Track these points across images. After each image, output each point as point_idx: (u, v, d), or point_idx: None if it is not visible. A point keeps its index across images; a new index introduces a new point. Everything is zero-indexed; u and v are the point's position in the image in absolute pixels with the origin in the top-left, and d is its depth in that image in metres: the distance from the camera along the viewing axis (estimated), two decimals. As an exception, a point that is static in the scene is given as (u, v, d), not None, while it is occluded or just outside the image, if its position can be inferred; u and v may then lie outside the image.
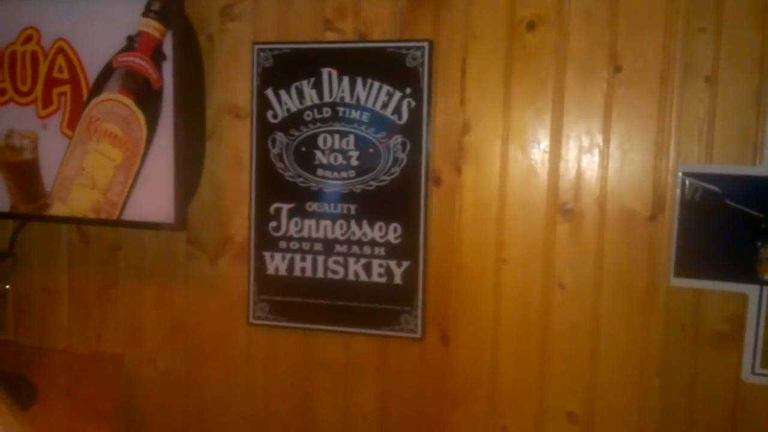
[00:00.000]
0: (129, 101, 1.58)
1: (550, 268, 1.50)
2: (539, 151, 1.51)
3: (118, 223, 1.63)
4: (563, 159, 1.49)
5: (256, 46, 1.68)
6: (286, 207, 1.70)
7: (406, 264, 1.62)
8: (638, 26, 1.43)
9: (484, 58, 1.51)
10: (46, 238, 1.86)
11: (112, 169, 1.61)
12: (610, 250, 1.48)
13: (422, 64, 1.57)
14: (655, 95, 1.43)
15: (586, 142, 1.47)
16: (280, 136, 1.68)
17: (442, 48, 1.57)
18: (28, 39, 1.64)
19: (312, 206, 1.68)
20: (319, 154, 1.66)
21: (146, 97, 1.57)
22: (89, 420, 1.51)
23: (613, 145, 1.46)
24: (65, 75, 1.62)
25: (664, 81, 1.42)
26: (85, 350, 1.88)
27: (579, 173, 1.49)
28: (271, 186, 1.70)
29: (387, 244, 1.64)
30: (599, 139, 1.47)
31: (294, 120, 1.67)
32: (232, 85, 1.72)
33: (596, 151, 1.48)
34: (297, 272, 1.70)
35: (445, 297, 1.61)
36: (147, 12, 1.54)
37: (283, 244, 1.70)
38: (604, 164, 1.47)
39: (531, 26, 1.48)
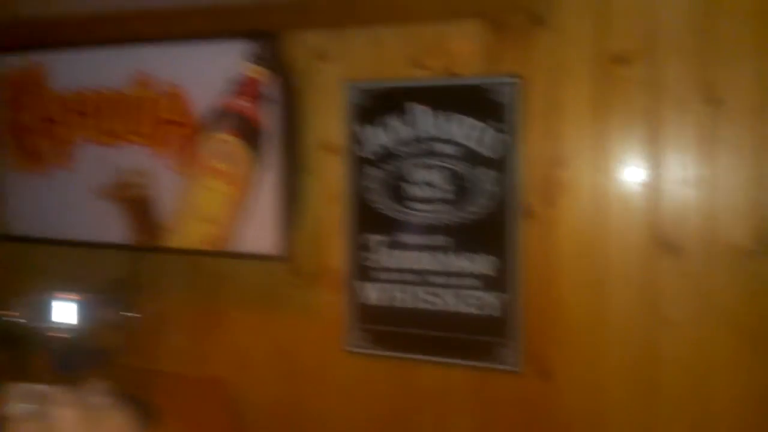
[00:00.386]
0: (236, 140, 1.69)
1: (654, 302, 1.47)
2: (637, 185, 1.48)
3: (227, 255, 1.73)
4: (661, 191, 1.46)
5: (349, 85, 1.74)
6: (379, 238, 1.75)
7: (501, 296, 1.63)
8: (731, 57, 1.38)
9: (576, 92, 1.51)
10: (159, 268, 2.00)
11: (221, 204, 1.72)
12: (714, 284, 1.42)
13: (512, 98, 1.58)
14: (755, 127, 1.37)
15: (683, 174, 1.43)
16: (372, 171, 1.74)
17: (531, 83, 1.58)
18: (143, 84, 1.79)
19: (405, 238, 1.72)
20: (410, 187, 1.70)
21: (251, 136, 1.67)
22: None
23: (711, 178, 1.41)
24: (177, 117, 1.75)
25: (762, 111, 1.36)
26: (195, 374, 1.99)
27: (678, 206, 1.45)
28: (365, 218, 1.75)
29: (481, 276, 1.65)
30: (697, 171, 1.42)
31: (385, 154, 1.72)
32: (326, 122, 1.80)
33: (694, 184, 1.43)
34: (391, 302, 1.74)
35: (544, 330, 1.60)
36: (251, 57, 1.64)
37: (377, 275, 1.75)
38: (703, 197, 1.42)
39: (621, 60, 1.46)
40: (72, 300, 1.60)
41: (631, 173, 1.48)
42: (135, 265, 1.93)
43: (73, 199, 1.90)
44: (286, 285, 1.88)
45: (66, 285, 1.98)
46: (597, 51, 1.48)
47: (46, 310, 1.57)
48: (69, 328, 1.55)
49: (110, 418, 1.30)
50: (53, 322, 1.55)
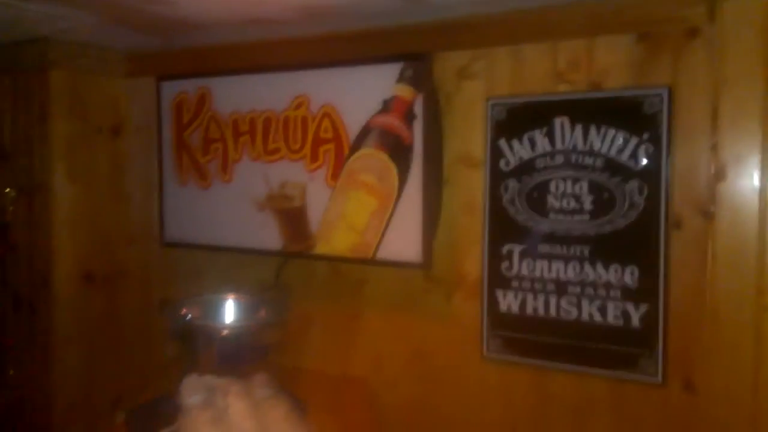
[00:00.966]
0: (384, 156, 1.81)
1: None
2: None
3: (371, 262, 1.85)
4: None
5: (491, 102, 1.82)
6: (518, 248, 1.80)
7: (644, 307, 1.64)
8: None
9: (737, 102, 1.50)
10: (303, 273, 2.15)
11: (368, 215, 1.85)
12: None
13: (661, 110, 1.60)
14: None
15: None
16: (512, 183, 1.80)
17: (683, 93, 1.58)
18: (299, 105, 1.95)
19: (544, 248, 1.76)
20: (551, 198, 1.75)
21: (398, 151, 1.79)
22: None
23: None
24: (330, 135, 1.90)
25: None
26: (334, 372, 2.12)
27: None
28: (504, 228, 1.81)
29: (623, 287, 1.66)
30: None
31: (526, 167, 1.78)
32: (467, 137, 1.88)
33: None
34: (529, 310, 1.79)
35: (689, 343, 1.60)
36: (401, 78, 1.77)
37: (515, 283, 1.81)
38: None
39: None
40: (234, 300, 1.77)
41: (791, 185, 1.45)
42: (285, 270, 2.09)
43: (230, 210, 2.09)
44: (423, 292, 1.97)
45: (223, 287, 2.19)
46: (760, 58, 1.47)
47: (212, 310, 1.75)
48: (232, 326, 1.71)
49: (274, 408, 1.44)
50: (219, 321, 1.72)
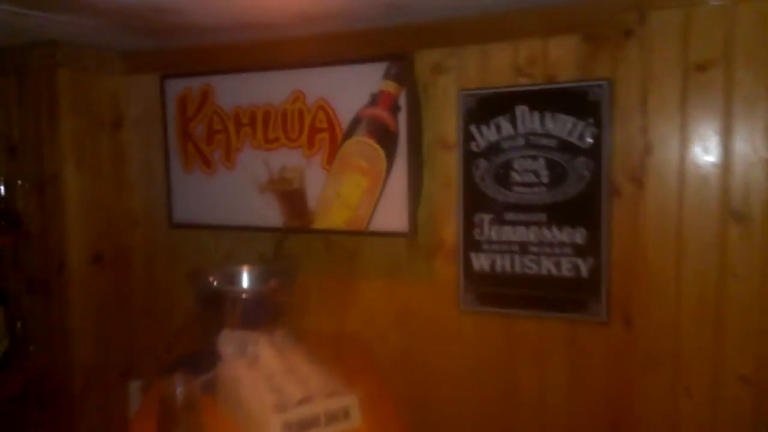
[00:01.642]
0: (373, 142, 2.11)
1: (723, 261, 1.80)
2: (711, 166, 1.81)
3: (366, 234, 2.17)
4: (732, 172, 1.78)
5: (462, 93, 2.14)
6: (487, 217, 2.14)
7: (591, 260, 2.00)
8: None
9: (661, 93, 1.84)
10: (302, 246, 2.45)
11: (360, 193, 2.15)
12: (774, 245, 1.75)
13: (602, 98, 1.95)
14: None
15: (751, 158, 1.76)
16: (482, 162, 2.13)
17: (621, 85, 1.94)
18: (296, 99, 2.24)
19: (509, 216, 2.11)
20: (514, 174, 2.09)
21: (385, 138, 2.10)
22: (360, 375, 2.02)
23: (775, 158, 1.74)
24: (324, 125, 2.19)
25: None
26: (331, 331, 2.44)
27: (746, 183, 1.77)
28: (475, 200, 2.15)
29: (574, 245, 2.03)
30: (763, 155, 1.75)
31: (493, 148, 2.11)
32: (442, 123, 2.20)
33: (760, 166, 1.76)
34: (498, 269, 2.14)
35: (628, 287, 1.97)
36: (386, 75, 2.07)
37: (486, 246, 2.15)
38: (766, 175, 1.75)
39: (701, 67, 1.79)
40: (250, 270, 2.07)
41: (707, 157, 1.80)
42: (286, 245, 2.38)
43: (234, 193, 2.37)
44: (408, 258, 2.30)
45: (229, 261, 2.47)
46: (679, 59, 1.80)
47: (233, 278, 2.04)
48: (250, 291, 2.01)
49: (296, 353, 1.75)
50: (239, 287, 2.02)
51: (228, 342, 1.72)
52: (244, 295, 1.96)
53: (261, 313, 1.95)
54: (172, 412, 1.35)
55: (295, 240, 2.43)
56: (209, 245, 2.59)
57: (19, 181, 2.60)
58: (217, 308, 1.95)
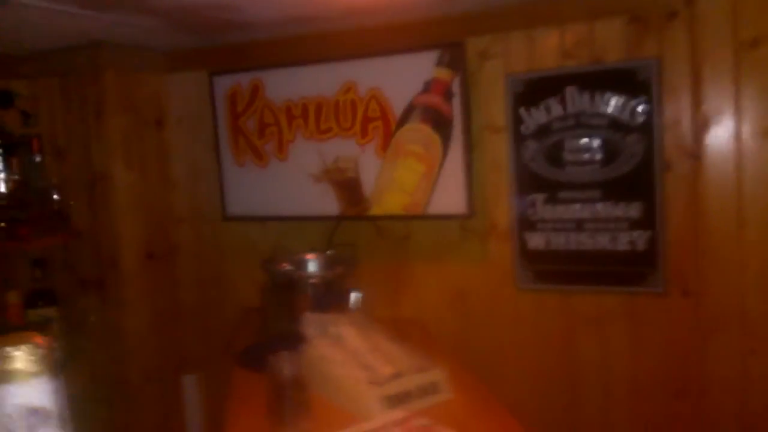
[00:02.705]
0: (427, 128, 2.17)
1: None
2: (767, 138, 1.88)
3: (424, 217, 2.23)
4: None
5: (510, 77, 2.20)
6: (540, 196, 2.21)
7: (647, 233, 2.07)
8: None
9: (714, 70, 1.91)
10: (352, 234, 2.50)
11: (416, 178, 2.21)
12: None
13: (652, 76, 2.02)
14: None
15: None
16: (532, 143, 2.20)
17: (669, 63, 2.00)
18: (348, 90, 2.29)
19: (563, 194, 2.17)
20: (566, 153, 2.16)
21: (440, 124, 2.16)
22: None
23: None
24: (377, 114, 2.25)
25: None
26: (385, 315, 2.49)
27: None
28: (527, 181, 2.21)
29: (629, 219, 2.09)
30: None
31: (543, 130, 2.18)
32: (490, 108, 2.26)
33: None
34: (554, 246, 2.20)
35: (683, 259, 2.04)
36: (440, 63, 2.13)
37: (540, 225, 2.21)
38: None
39: (753, 44, 1.86)
40: (317, 257, 2.13)
41: (762, 130, 1.88)
42: (342, 232, 2.44)
43: (288, 184, 2.42)
44: (459, 239, 2.36)
45: (289, 250, 2.52)
46: (730, 36, 1.88)
47: (302, 264, 2.10)
48: (320, 276, 2.07)
49: (377, 332, 1.82)
50: (310, 272, 2.08)
51: (310, 323, 1.78)
52: (316, 280, 2.02)
53: (331, 297, 2.01)
54: (281, 390, 1.41)
55: (347, 227, 2.49)
56: (262, 236, 2.65)
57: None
58: (290, 293, 2.01)
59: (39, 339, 0.63)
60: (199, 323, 2.87)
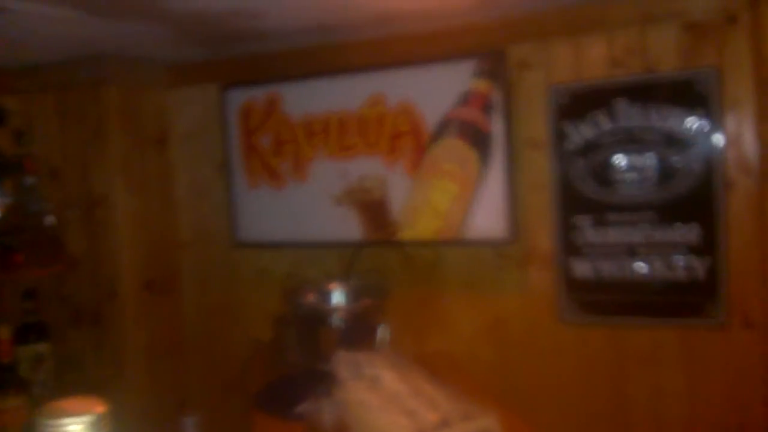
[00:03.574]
0: (463, 144, 1.98)
1: None
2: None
3: (459, 243, 2.02)
4: None
5: (553, 88, 2.02)
6: (587, 218, 2.01)
7: (708, 260, 1.88)
8: None
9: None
10: (376, 260, 2.28)
11: (450, 200, 2.02)
12: None
13: (711, 88, 1.84)
14: None
15: None
16: (578, 160, 2.01)
17: (729, 72, 1.83)
18: (375, 103, 2.10)
19: (612, 216, 1.98)
20: (616, 171, 1.97)
21: (478, 140, 1.97)
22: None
23: None
24: (407, 128, 2.06)
25: None
26: (413, 350, 2.27)
27: None
28: (573, 202, 2.02)
29: (688, 244, 1.90)
30: None
31: (590, 145, 1.99)
32: (530, 122, 2.07)
33: None
34: (603, 274, 2.00)
35: (747, 287, 1.85)
36: (478, 73, 1.95)
37: (587, 250, 2.02)
38: None
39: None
40: (342, 287, 1.91)
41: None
42: (366, 258, 2.22)
43: (306, 206, 2.21)
44: (494, 266, 2.15)
45: (305, 279, 2.31)
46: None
47: (329, 295, 1.88)
48: (345, 308, 1.85)
49: (417, 374, 1.60)
50: (334, 305, 1.86)
51: (343, 363, 1.56)
52: (344, 313, 1.80)
53: (359, 332, 1.79)
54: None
55: (371, 253, 2.27)
56: (274, 263, 2.43)
57: (68, 209, 2.42)
58: (312, 326, 1.79)
59: (100, 407, 0.52)
60: (203, 358, 2.64)
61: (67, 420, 0.49)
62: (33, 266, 2.21)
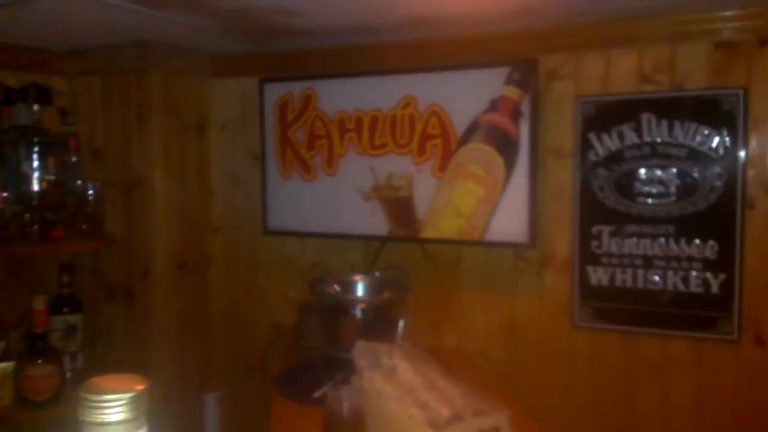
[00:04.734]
0: (491, 149, 2.04)
1: None
2: None
3: (480, 244, 2.09)
4: None
5: (581, 99, 2.07)
6: (607, 229, 2.06)
7: (723, 276, 1.92)
8: None
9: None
10: (398, 255, 2.36)
11: (475, 202, 2.08)
12: None
13: (738, 107, 1.88)
14: None
15: None
16: (601, 171, 2.06)
17: (757, 93, 1.87)
18: (407, 105, 2.17)
19: (632, 228, 2.03)
20: (638, 184, 2.01)
21: (505, 146, 2.03)
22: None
23: None
24: (437, 131, 2.13)
25: None
26: (427, 344, 2.34)
27: None
28: (593, 212, 2.07)
29: (704, 260, 1.94)
30: None
31: (614, 157, 2.04)
32: (557, 131, 2.12)
33: None
34: (618, 283, 2.05)
35: (761, 305, 1.88)
36: (509, 80, 2.00)
37: (604, 260, 2.07)
38: None
39: None
40: (367, 279, 1.99)
41: None
42: (390, 253, 2.30)
43: (335, 200, 2.30)
44: (512, 269, 2.21)
45: (329, 269, 2.39)
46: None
47: (353, 286, 1.96)
48: (368, 301, 1.93)
49: (432, 367, 1.67)
50: (356, 296, 1.94)
51: (362, 353, 1.64)
52: (366, 305, 1.88)
53: (380, 324, 1.87)
54: (339, 427, 1.27)
55: (393, 249, 2.35)
56: (300, 252, 2.52)
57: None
58: (334, 315, 1.87)
59: (140, 384, 0.52)
60: (228, 339, 2.74)
61: (108, 396, 0.48)
62: (71, 241, 2.32)
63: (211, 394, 2.74)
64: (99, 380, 0.51)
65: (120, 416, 0.46)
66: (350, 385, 1.36)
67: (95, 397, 0.47)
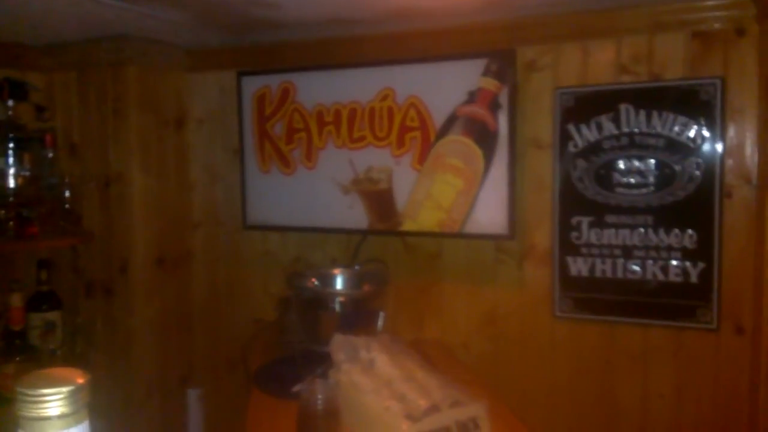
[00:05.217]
0: (469, 141, 2.04)
1: None
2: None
3: (460, 236, 2.08)
4: None
5: (559, 91, 2.07)
6: (586, 219, 2.07)
7: (701, 265, 1.93)
8: None
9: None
10: (378, 249, 2.35)
11: (454, 194, 2.07)
12: None
13: (715, 97, 1.88)
14: None
15: None
16: (580, 162, 2.06)
17: (733, 83, 1.87)
18: (385, 97, 2.16)
19: (611, 218, 2.03)
20: (617, 175, 2.02)
21: (483, 137, 2.02)
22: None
23: None
24: (416, 123, 2.11)
25: None
26: (409, 336, 2.34)
27: None
28: (572, 202, 2.07)
29: (683, 249, 1.95)
30: None
31: (593, 148, 2.04)
32: (536, 122, 2.12)
33: None
34: (598, 273, 2.06)
35: (739, 293, 1.89)
36: (486, 72, 1.99)
37: (584, 250, 2.07)
38: None
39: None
40: (346, 272, 1.98)
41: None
42: (370, 246, 2.29)
43: (315, 193, 2.28)
44: (493, 261, 2.21)
45: (309, 263, 2.38)
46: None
47: (332, 280, 1.95)
48: (346, 294, 1.92)
49: (411, 359, 1.66)
50: (335, 289, 1.93)
51: (340, 346, 1.63)
52: (345, 298, 1.87)
53: (359, 317, 1.86)
54: (313, 421, 1.26)
55: (374, 242, 2.34)
56: (281, 246, 2.50)
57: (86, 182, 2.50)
58: (314, 309, 1.86)
59: (81, 377, 0.50)
60: (208, 334, 2.72)
61: (45, 391, 0.47)
62: (48, 238, 2.29)
63: (194, 390, 2.72)
64: (38, 374, 0.49)
65: (58, 411, 0.44)
66: (325, 379, 1.35)
67: (32, 392, 0.46)
